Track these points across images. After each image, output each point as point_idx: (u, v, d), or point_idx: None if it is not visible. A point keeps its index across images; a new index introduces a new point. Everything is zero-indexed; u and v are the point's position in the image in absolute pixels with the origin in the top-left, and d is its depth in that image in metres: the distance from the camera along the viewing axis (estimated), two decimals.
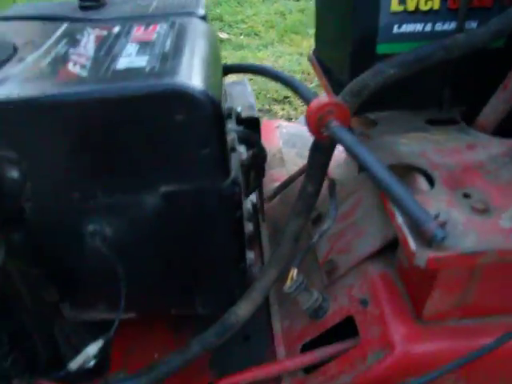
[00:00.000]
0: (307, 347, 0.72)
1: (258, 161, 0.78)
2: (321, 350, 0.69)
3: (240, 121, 0.80)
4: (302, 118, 1.71)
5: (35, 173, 0.56)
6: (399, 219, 0.49)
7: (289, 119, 2.22)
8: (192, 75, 0.53)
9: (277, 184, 1.04)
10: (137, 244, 0.62)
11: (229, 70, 0.85)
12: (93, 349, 0.63)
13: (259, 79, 2.56)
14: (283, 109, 2.34)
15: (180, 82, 0.52)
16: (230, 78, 0.96)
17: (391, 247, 0.69)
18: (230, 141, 0.62)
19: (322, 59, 0.84)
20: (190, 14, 0.75)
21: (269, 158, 1.13)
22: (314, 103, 0.58)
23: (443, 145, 0.63)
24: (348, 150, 0.53)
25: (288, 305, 0.80)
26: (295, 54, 2.87)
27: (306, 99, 0.65)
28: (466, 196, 0.55)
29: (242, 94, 0.90)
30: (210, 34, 0.71)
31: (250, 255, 0.70)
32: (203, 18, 0.76)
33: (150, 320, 0.79)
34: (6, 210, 0.58)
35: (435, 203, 0.53)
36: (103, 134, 0.54)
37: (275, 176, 1.06)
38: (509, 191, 0.56)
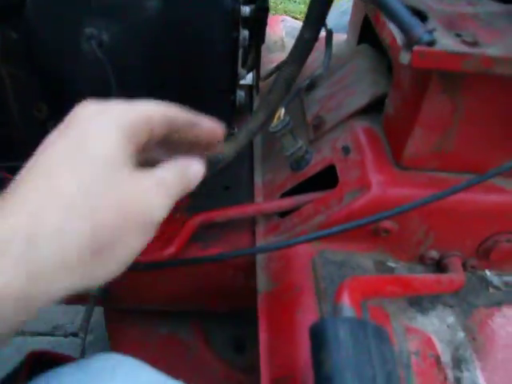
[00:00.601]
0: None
1: (261, 16, 0.77)
2: (298, 197, 0.71)
3: None
4: None
5: None
6: (390, 25, 0.49)
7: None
8: None
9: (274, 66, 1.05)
10: (132, 52, 0.61)
11: None
12: None
13: (270, 1, 2.54)
14: None
15: None
16: None
17: (378, 106, 0.70)
18: None
19: None
20: None
21: (270, 44, 1.14)
22: None
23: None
24: None
25: (272, 159, 0.82)
26: None
27: None
28: (458, 36, 0.56)
29: None
30: None
31: (241, 92, 0.70)
32: None
33: None
34: None
35: None
36: None
37: (274, 59, 1.07)
38: (499, 34, 0.56)
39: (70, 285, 0.35)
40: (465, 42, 0.53)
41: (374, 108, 0.71)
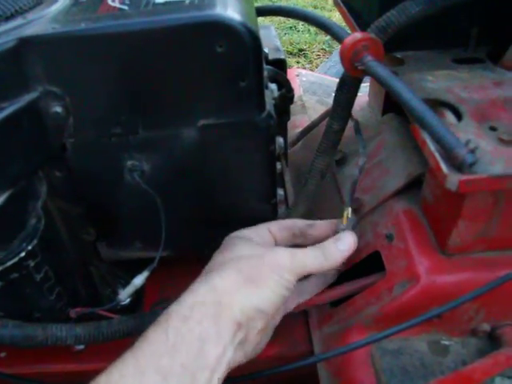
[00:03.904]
0: (335, 284, 0.75)
1: (286, 101, 0.79)
2: (348, 284, 0.72)
3: (267, 62, 0.81)
4: (323, 65, 1.71)
5: (77, 108, 0.57)
6: (431, 146, 0.50)
7: None
8: (231, 8, 0.54)
9: (299, 130, 1.06)
10: (174, 179, 0.64)
11: (258, 11, 0.86)
12: (139, 279, 0.66)
13: None
14: (298, 62, 2.33)
15: (220, 13, 0.53)
16: None
17: (416, 185, 0.71)
18: (264, 77, 0.63)
19: (347, 0, 0.84)
20: None
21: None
22: (349, 38, 0.59)
23: (470, 82, 0.65)
24: (382, 82, 0.55)
25: None
26: (309, 6, 2.85)
27: (339, 37, 0.66)
28: (493, 129, 0.57)
29: (267, 37, 0.91)
30: None
31: (280, 192, 0.72)
32: None
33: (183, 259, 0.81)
34: (48, 146, 0.59)
35: (463, 135, 0.54)
36: (144, 67, 0.55)
37: (297, 122, 1.08)
38: None
39: (242, 301, 0.55)
40: (502, 141, 0.54)
41: (411, 186, 0.72)
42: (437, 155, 0.49)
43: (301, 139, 1.03)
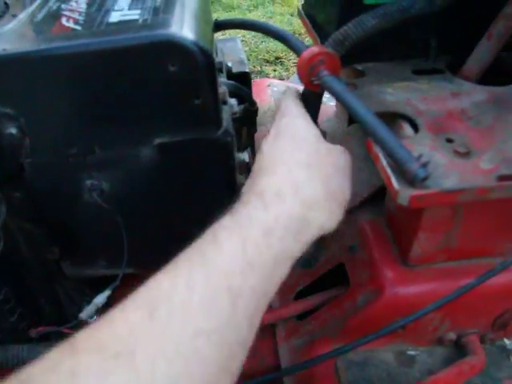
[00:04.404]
0: (301, 295, 0.75)
1: (250, 115, 0.79)
2: (313, 297, 0.72)
3: (231, 76, 0.81)
4: (294, 77, 1.71)
5: (33, 129, 0.57)
6: (383, 161, 0.51)
7: (280, 80, 2.22)
8: (184, 27, 0.54)
9: None
10: (134, 196, 0.63)
11: (220, 25, 0.86)
12: (101, 298, 0.65)
13: (251, 40, 2.56)
14: (275, 70, 2.34)
15: (172, 32, 0.53)
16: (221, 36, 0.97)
17: (380, 196, 0.71)
18: (221, 94, 0.63)
19: (310, 13, 0.84)
20: None
21: (260, 115, 1.14)
22: (306, 53, 0.59)
23: (428, 93, 0.65)
24: (337, 97, 0.55)
25: None
26: (286, 14, 2.86)
27: (298, 50, 0.66)
28: (449, 141, 0.57)
29: (232, 50, 0.91)
30: None
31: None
32: None
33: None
34: (5, 167, 0.59)
35: (419, 147, 0.54)
36: (99, 87, 0.55)
37: (266, 132, 1.07)
38: (490, 135, 0.57)
39: (322, 220, 0.49)
40: (457, 153, 0.54)
41: (375, 197, 0.72)
42: (388, 170, 0.50)
43: None
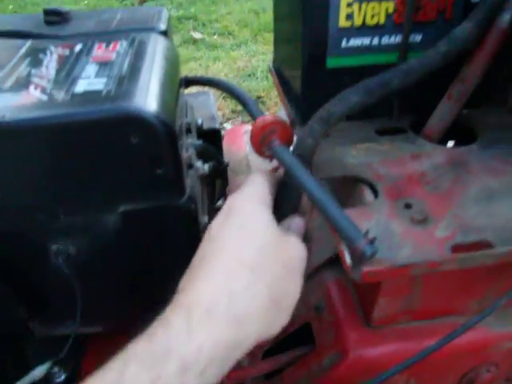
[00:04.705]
0: (269, 354, 0.75)
1: (218, 172, 0.80)
2: (281, 356, 0.72)
3: (201, 133, 0.82)
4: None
5: (0, 195, 0.58)
6: (336, 236, 0.52)
7: None
8: (146, 99, 0.56)
9: None
10: (100, 260, 0.64)
11: (189, 82, 0.87)
12: (39, 371, 0.65)
13: (232, 80, 2.59)
14: None
15: (133, 106, 0.54)
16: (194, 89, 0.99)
17: None
18: (187, 158, 0.65)
19: (279, 70, 0.86)
20: (151, 29, 0.78)
21: (235, 164, 1.16)
22: (259, 122, 0.61)
23: (389, 155, 0.66)
24: (287, 170, 0.56)
25: None
26: (268, 53, 2.90)
27: (253, 117, 0.68)
28: (407, 206, 0.58)
29: (204, 105, 0.92)
30: (170, 50, 0.74)
31: None
32: (164, 33, 0.79)
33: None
34: None
35: (376, 215, 0.56)
36: (62, 157, 0.56)
37: (241, 183, 1.08)
38: (447, 200, 0.59)
39: (260, 331, 0.45)
40: (414, 221, 0.56)
41: None
42: (342, 245, 0.50)
43: None
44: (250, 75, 2.65)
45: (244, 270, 0.45)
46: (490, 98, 0.79)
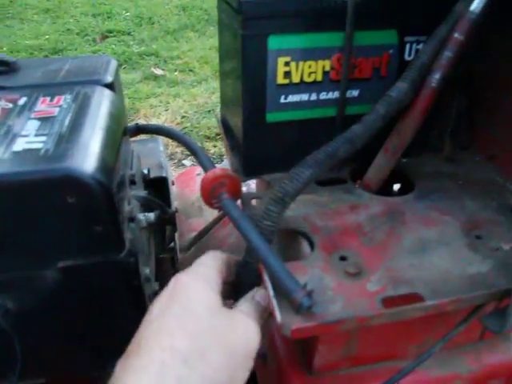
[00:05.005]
0: None
1: (165, 221, 0.81)
2: None
3: (147, 182, 0.83)
4: (223, 164, 1.75)
5: None
6: (270, 291, 0.53)
7: (220, 156, 2.27)
8: (83, 159, 0.56)
9: (195, 234, 1.08)
10: (40, 315, 0.64)
11: (140, 130, 0.89)
12: None
13: (192, 116, 2.62)
14: (215, 146, 2.39)
15: (70, 167, 0.55)
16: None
17: None
18: (129, 211, 0.65)
19: (225, 120, 0.88)
20: (98, 81, 0.79)
21: (187, 206, 1.17)
22: (210, 174, 0.63)
23: (327, 207, 0.68)
24: (233, 223, 0.58)
25: None
26: None
27: (204, 168, 0.69)
28: (343, 259, 0.60)
29: (152, 153, 0.94)
30: (114, 103, 0.75)
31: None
32: (110, 85, 0.80)
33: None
34: None
35: (311, 269, 0.57)
36: (1, 215, 0.57)
37: (193, 226, 1.10)
38: (381, 252, 0.61)
39: None
40: (348, 274, 0.57)
41: None
42: (274, 301, 0.52)
43: (194, 244, 1.05)
44: (209, 111, 2.68)
45: (177, 361, 0.44)
46: (427, 147, 0.82)
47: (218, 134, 2.44)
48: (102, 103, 0.72)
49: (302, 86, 0.70)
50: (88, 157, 0.57)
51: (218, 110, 2.64)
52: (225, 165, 1.83)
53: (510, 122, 0.76)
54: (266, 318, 0.55)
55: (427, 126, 0.73)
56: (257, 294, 0.57)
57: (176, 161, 2.29)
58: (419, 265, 0.60)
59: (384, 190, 0.76)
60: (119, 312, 0.65)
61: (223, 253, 0.59)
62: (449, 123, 0.82)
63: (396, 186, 0.85)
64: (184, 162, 2.27)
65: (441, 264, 0.60)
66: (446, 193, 0.73)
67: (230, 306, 0.54)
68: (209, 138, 2.45)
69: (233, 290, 0.60)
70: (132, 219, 0.66)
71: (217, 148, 2.36)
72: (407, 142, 0.72)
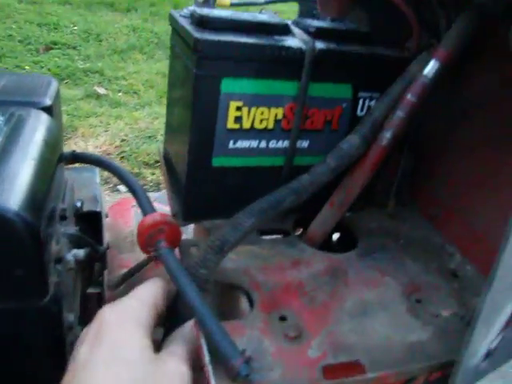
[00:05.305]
0: None
1: (96, 258, 0.76)
2: None
3: (80, 216, 0.78)
4: (160, 194, 1.71)
5: None
6: (206, 357, 0.49)
7: (157, 184, 2.22)
8: (9, 195, 0.51)
9: (125, 270, 1.02)
10: None
11: (77, 158, 0.83)
12: None
13: (132, 140, 2.56)
14: (153, 173, 2.33)
15: None
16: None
17: None
18: (56, 252, 0.60)
19: (168, 157, 0.84)
20: (35, 103, 0.74)
21: (120, 240, 1.11)
22: (148, 219, 0.59)
23: (269, 261, 0.66)
24: (170, 275, 0.54)
25: None
26: None
27: (143, 211, 0.65)
28: (282, 319, 0.57)
29: (87, 183, 0.88)
30: (50, 129, 0.70)
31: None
32: (49, 108, 0.75)
33: None
34: None
35: (249, 330, 0.54)
36: None
37: (124, 261, 1.04)
38: (322, 315, 0.58)
39: None
40: (287, 337, 0.54)
41: None
42: (209, 368, 0.48)
43: (124, 282, 0.99)
44: (150, 137, 2.63)
45: None
46: (371, 201, 0.81)
47: (157, 162, 2.39)
48: (37, 129, 0.67)
49: (253, 133, 0.68)
50: (14, 191, 0.52)
51: (159, 136, 2.59)
52: (162, 195, 1.78)
53: (448, 183, 0.77)
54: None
55: (372, 182, 0.72)
56: (189, 331, 0.53)
57: (111, 185, 2.21)
58: (360, 330, 0.58)
59: (326, 241, 0.75)
60: (37, 361, 0.60)
61: (164, 279, 0.55)
62: (394, 180, 0.81)
63: (335, 236, 0.84)
64: (119, 187, 2.19)
65: (381, 330, 0.58)
66: (388, 252, 0.72)
67: (159, 344, 0.51)
68: (147, 164, 2.39)
69: (166, 317, 0.55)
70: (59, 260, 0.61)
71: (155, 176, 2.30)
72: (354, 197, 0.71)
